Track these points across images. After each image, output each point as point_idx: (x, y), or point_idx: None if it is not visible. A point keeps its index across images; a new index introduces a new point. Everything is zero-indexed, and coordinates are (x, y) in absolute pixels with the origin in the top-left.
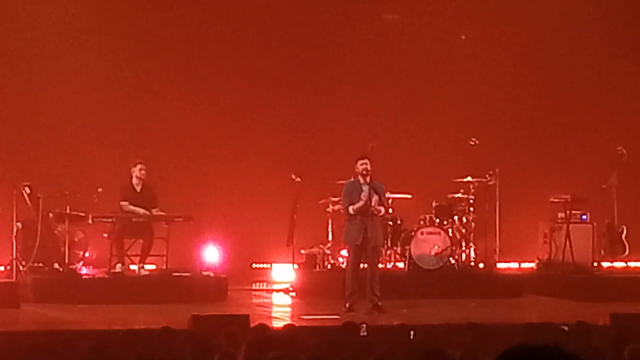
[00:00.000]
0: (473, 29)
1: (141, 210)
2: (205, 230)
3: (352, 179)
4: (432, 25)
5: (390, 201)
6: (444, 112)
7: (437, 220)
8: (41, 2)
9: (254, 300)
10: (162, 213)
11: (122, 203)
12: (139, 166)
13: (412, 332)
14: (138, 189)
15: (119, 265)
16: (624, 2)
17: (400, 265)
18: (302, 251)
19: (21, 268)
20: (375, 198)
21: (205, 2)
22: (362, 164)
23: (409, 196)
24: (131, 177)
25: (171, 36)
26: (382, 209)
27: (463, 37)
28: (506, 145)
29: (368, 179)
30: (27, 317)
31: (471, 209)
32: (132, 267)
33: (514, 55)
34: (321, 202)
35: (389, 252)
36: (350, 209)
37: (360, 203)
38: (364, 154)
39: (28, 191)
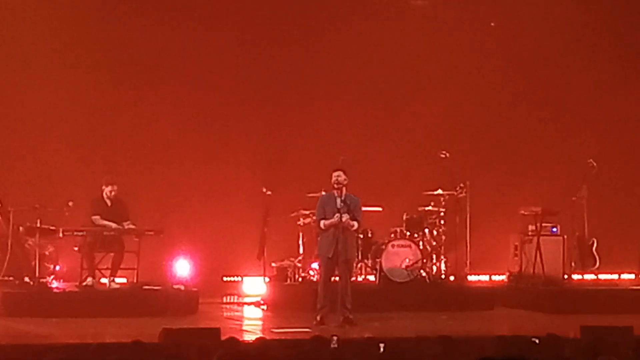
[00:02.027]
0: (442, 42)
1: (113, 224)
2: (176, 243)
3: (326, 192)
4: (402, 37)
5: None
6: (414, 125)
7: (408, 233)
8: (13, 15)
9: (225, 314)
10: (133, 226)
11: (94, 217)
12: (109, 187)
13: (382, 345)
14: (109, 202)
15: (89, 279)
16: (597, 14)
17: (371, 278)
18: (273, 264)
19: None
20: (345, 216)
21: (173, 13)
22: (335, 176)
23: (380, 209)
24: (102, 191)
25: (141, 49)
26: (355, 224)
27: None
28: (477, 158)
29: (342, 191)
30: None
31: (442, 221)
32: (103, 280)
33: (483, 68)
34: (292, 215)
35: (359, 264)
36: (322, 223)
37: (332, 220)
38: (338, 166)
39: None
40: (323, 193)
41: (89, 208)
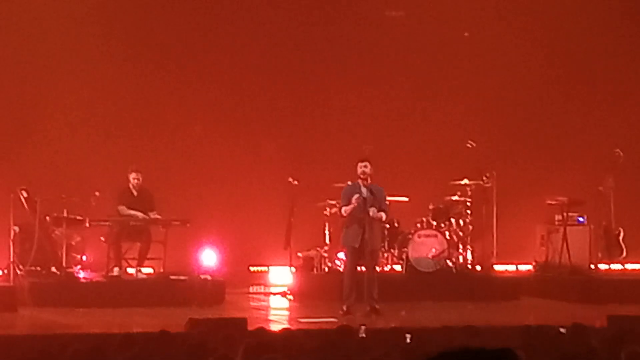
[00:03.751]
0: (470, 32)
1: (139, 214)
2: (203, 233)
3: (351, 183)
4: (429, 27)
5: (387, 204)
6: (441, 115)
7: (434, 223)
8: (40, 8)
9: (252, 304)
10: (159, 216)
11: (120, 207)
12: (133, 174)
13: (408, 335)
14: (135, 192)
15: (116, 269)
16: (620, 5)
17: (398, 268)
18: (300, 254)
19: (18, 272)
20: (372, 209)
21: (201, 7)
22: (361, 167)
23: (406, 199)
24: (128, 181)
25: (168, 40)
26: (383, 215)
27: (466, 34)
28: (503, 148)
29: (367, 181)
30: (24, 321)
31: (468, 211)
32: (130, 270)
33: (510, 57)
34: (319, 204)
35: (386, 254)
36: (343, 210)
37: (351, 206)
38: (364, 157)
39: (25, 195)
40: (349, 183)
41: (115, 198)
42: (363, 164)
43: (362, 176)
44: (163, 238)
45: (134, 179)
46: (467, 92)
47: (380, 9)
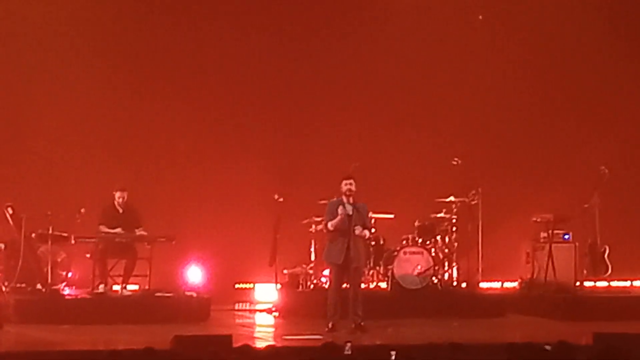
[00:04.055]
0: (455, 50)
1: (119, 230)
2: (188, 250)
3: (336, 199)
4: (415, 46)
5: (373, 221)
6: (426, 132)
7: (420, 240)
8: (25, 26)
9: (237, 321)
10: (144, 233)
11: (100, 227)
12: (118, 193)
13: (393, 353)
14: (120, 210)
15: (101, 286)
16: (604, 26)
17: (383, 285)
18: (285, 271)
19: (4, 289)
20: (358, 228)
21: (186, 25)
22: (346, 184)
23: (392, 216)
24: (113, 198)
25: (155, 57)
26: (367, 233)
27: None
28: (489, 165)
29: (351, 199)
30: (9, 337)
31: (454, 228)
32: (115, 287)
33: (496, 75)
34: (304, 222)
35: (371, 272)
36: (329, 224)
37: (337, 219)
38: (348, 174)
39: (11, 212)
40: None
41: (99, 215)
42: (348, 181)
43: (347, 193)
44: (149, 255)
45: (119, 197)
46: (453, 109)
47: (365, 26)
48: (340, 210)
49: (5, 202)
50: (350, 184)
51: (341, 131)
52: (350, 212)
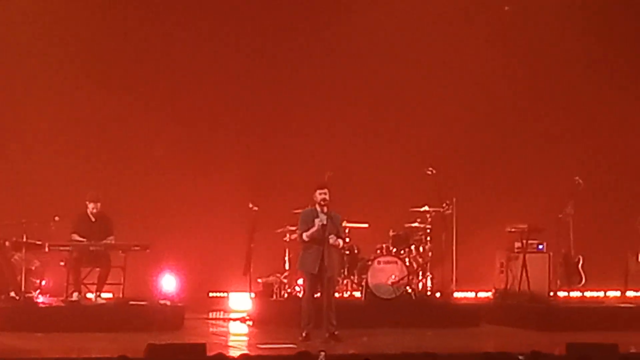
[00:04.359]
0: (429, 59)
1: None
2: (162, 259)
3: (310, 208)
4: (390, 55)
5: (347, 230)
6: (401, 141)
7: (394, 250)
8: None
9: (211, 329)
10: (113, 241)
11: (72, 235)
12: (91, 204)
13: None
14: (93, 218)
15: (75, 294)
16: (581, 34)
17: (357, 294)
18: (259, 280)
19: None
20: (332, 237)
21: (162, 33)
22: (320, 194)
23: (366, 225)
24: (86, 207)
25: (129, 65)
26: (341, 242)
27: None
28: (463, 175)
29: (325, 208)
30: None
31: (428, 238)
32: (89, 295)
33: (471, 86)
34: (278, 231)
35: (345, 281)
36: (304, 235)
37: (313, 229)
38: (322, 184)
39: None
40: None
41: (71, 224)
42: (322, 190)
43: (321, 203)
44: (123, 263)
45: (92, 208)
46: (428, 119)
47: (338, 37)
48: (317, 222)
49: None
50: (325, 193)
51: (316, 140)
52: (325, 222)
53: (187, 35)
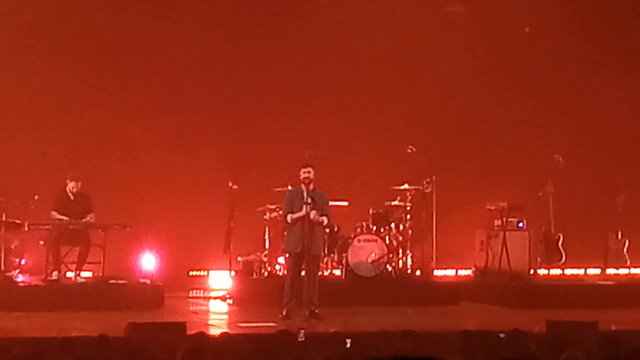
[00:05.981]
0: (409, 38)
1: (67, 219)
2: (142, 237)
3: (294, 187)
4: (371, 34)
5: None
6: (381, 119)
7: (374, 228)
8: None
9: (191, 308)
10: (93, 220)
11: (52, 213)
12: (72, 183)
13: (348, 340)
14: (72, 196)
15: (55, 273)
16: (558, 13)
17: (337, 272)
18: (239, 258)
19: None
20: (314, 213)
21: (140, 13)
22: (304, 172)
23: (346, 203)
24: (66, 185)
25: (108, 45)
26: (325, 219)
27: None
28: (443, 153)
29: (311, 187)
30: None
31: (408, 216)
32: (69, 274)
33: (450, 64)
34: (258, 209)
35: (325, 259)
36: (289, 217)
37: (300, 214)
38: (307, 162)
39: None
40: (290, 188)
41: (50, 201)
42: (307, 169)
43: (305, 182)
44: (102, 242)
45: (72, 187)
46: (407, 97)
47: (318, 17)
48: (304, 207)
49: None
50: (308, 172)
51: (295, 119)
52: (307, 201)
53: (166, 15)
